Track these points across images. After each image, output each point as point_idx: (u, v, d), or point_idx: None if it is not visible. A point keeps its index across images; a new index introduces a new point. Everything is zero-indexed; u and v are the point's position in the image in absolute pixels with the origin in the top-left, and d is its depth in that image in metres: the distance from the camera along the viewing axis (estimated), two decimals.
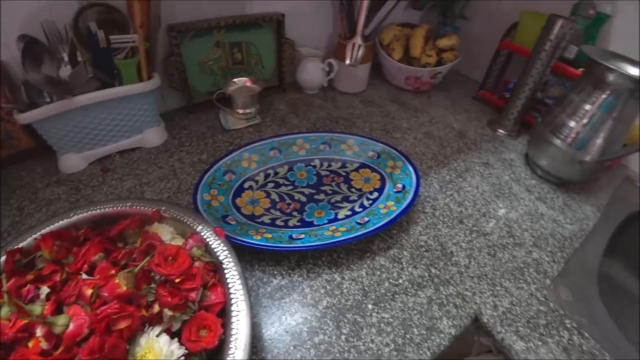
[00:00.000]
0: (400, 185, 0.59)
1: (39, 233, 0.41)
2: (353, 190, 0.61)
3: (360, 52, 0.77)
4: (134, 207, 0.45)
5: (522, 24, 0.80)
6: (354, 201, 0.59)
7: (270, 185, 0.61)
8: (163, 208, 0.44)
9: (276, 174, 0.62)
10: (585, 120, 0.62)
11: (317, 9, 0.84)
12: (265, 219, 0.55)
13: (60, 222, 0.42)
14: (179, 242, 0.43)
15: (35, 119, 0.56)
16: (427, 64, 0.86)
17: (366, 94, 0.91)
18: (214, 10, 0.72)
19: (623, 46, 0.71)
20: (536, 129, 0.70)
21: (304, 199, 0.59)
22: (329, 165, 0.65)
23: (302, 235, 0.51)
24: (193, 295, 0.37)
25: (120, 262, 0.39)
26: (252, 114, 0.75)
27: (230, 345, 0.33)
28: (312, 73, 0.83)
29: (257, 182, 0.61)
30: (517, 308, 0.49)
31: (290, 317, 0.45)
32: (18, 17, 0.56)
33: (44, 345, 0.31)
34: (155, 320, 0.35)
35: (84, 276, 0.36)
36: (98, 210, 0.44)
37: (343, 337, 0.43)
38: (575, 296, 0.53)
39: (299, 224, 0.54)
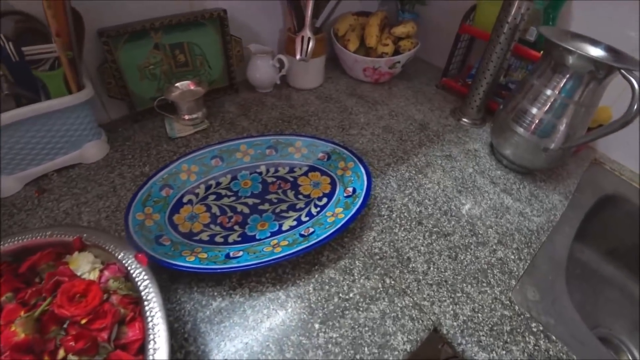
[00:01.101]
0: (350, 189, 0.55)
1: None
2: (300, 197, 0.57)
3: (311, 46, 0.72)
4: (55, 235, 0.41)
5: (480, 6, 0.76)
6: (300, 209, 0.55)
7: (212, 197, 0.56)
8: (85, 235, 0.40)
9: (218, 184, 0.58)
10: (547, 106, 0.59)
11: (264, 2, 0.79)
12: (204, 236, 0.50)
13: None
14: (97, 273, 0.39)
15: None
16: (384, 54, 0.82)
17: (323, 89, 0.86)
18: (147, 11, 0.66)
19: (584, 26, 0.68)
20: (499, 116, 0.67)
21: (247, 210, 0.55)
22: (276, 171, 0.61)
23: (240, 253, 0.47)
24: (104, 335, 0.34)
25: (29, 302, 0.35)
26: (199, 119, 0.70)
27: None
28: (262, 71, 0.78)
29: (197, 195, 0.56)
30: (480, 315, 0.46)
31: (229, 342, 0.41)
32: None
33: None
34: None
35: None
36: (15, 242, 0.40)
37: None
38: (543, 294, 0.50)
39: (239, 239, 0.50)
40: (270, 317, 0.43)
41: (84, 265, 0.39)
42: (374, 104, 0.82)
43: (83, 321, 0.33)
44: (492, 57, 0.69)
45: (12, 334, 0.32)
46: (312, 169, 0.61)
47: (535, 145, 0.61)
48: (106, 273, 0.38)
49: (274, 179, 0.59)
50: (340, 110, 0.79)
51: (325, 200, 0.56)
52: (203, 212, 0.54)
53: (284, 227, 0.52)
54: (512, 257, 0.53)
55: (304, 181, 0.59)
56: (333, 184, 0.58)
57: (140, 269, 0.38)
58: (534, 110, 0.60)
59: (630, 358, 0.66)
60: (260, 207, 0.55)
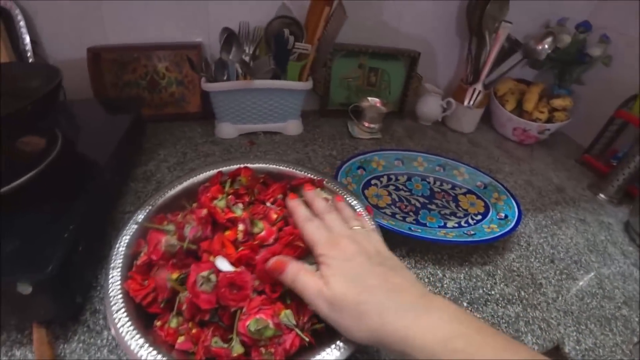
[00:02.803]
0: (503, 214, 0.67)
1: (224, 168, 0.51)
2: (460, 208, 0.70)
3: (479, 98, 0.87)
4: (304, 172, 0.54)
5: None
6: (460, 217, 0.68)
7: (392, 187, 0.73)
8: (326, 180, 0.53)
9: (397, 179, 0.74)
10: None
11: (449, 52, 0.96)
12: (387, 211, 0.66)
13: (249, 164, 0.50)
14: None
15: (216, 89, 0.74)
16: (537, 119, 0.93)
17: (473, 136, 1.00)
18: (365, 38, 0.87)
19: None
20: None
21: (418, 204, 0.70)
22: (441, 185, 0.76)
23: (419, 230, 0.61)
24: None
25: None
26: (375, 130, 0.88)
27: None
28: (431, 107, 0.95)
29: (381, 181, 0.73)
30: (601, 350, 0.52)
31: None
32: (222, 12, 0.77)
33: (240, 236, 0.38)
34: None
35: (269, 204, 0.44)
36: (276, 166, 0.55)
37: None
38: None
39: (414, 222, 0.65)
40: (430, 286, 0.56)
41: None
42: (517, 160, 0.93)
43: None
44: None
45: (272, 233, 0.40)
46: (470, 192, 0.74)
47: None
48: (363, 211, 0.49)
49: (440, 190, 0.74)
50: (487, 157, 0.91)
51: (480, 217, 0.68)
52: (386, 195, 0.70)
53: (449, 225, 0.65)
54: (637, 319, 0.59)
55: (462, 199, 0.73)
56: (487, 208, 0.70)
57: (370, 216, 0.48)
58: None
59: None
60: (429, 206, 0.70)
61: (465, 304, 0.54)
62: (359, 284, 0.33)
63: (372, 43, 0.88)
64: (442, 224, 0.65)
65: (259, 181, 0.49)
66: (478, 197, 0.73)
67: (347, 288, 0.32)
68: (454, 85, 0.98)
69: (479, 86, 0.88)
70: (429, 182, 0.75)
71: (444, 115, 0.96)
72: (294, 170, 0.55)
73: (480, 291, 0.56)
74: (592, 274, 0.65)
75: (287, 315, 0.34)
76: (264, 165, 0.55)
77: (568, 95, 0.99)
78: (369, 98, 0.88)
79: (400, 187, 0.73)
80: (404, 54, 0.89)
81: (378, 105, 0.88)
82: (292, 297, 0.36)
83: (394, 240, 0.60)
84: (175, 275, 0.36)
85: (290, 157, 0.77)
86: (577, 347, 0.52)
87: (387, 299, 0.32)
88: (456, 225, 0.65)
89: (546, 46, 0.86)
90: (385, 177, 0.74)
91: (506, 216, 0.66)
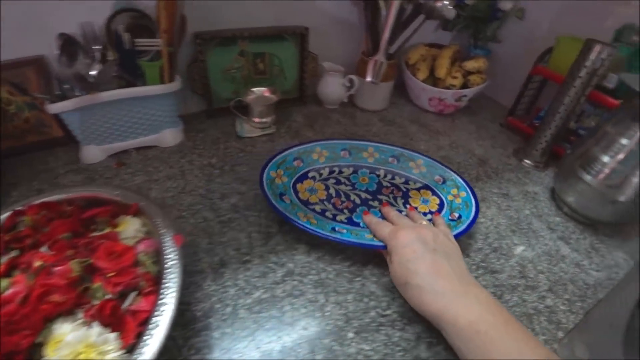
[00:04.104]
0: (457, 215, 0.58)
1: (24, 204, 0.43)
2: (407, 207, 0.61)
3: (382, 70, 0.75)
4: (121, 196, 0.47)
5: (558, 49, 0.75)
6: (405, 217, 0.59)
7: (332, 180, 0.65)
8: (142, 204, 0.44)
9: (340, 172, 0.66)
10: (620, 156, 0.56)
11: (343, 24, 0.84)
12: (317, 208, 0.59)
13: (56, 196, 0.45)
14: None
15: (62, 110, 0.60)
16: (451, 86, 0.83)
17: (386, 113, 0.88)
18: (239, 21, 0.74)
19: None
20: (565, 161, 0.64)
21: (358, 201, 0.61)
22: (392, 178, 0.67)
23: (344, 231, 0.53)
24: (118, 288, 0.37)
25: (79, 248, 0.40)
26: (267, 124, 0.75)
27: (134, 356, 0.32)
28: (332, 88, 0.83)
29: (321, 174, 0.65)
30: None
31: (264, 333, 0.43)
32: (61, 16, 0.60)
33: None
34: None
35: (44, 249, 0.38)
36: (91, 192, 0.46)
37: None
38: (594, 355, 0.46)
39: (345, 221, 0.57)
40: (307, 317, 0.45)
41: (129, 230, 0.43)
42: (435, 134, 0.83)
43: (109, 275, 0.37)
44: (565, 100, 0.68)
45: (69, 270, 0.36)
46: (425, 187, 0.65)
47: (603, 195, 0.58)
48: (140, 246, 0.41)
49: (389, 185, 0.65)
50: (402, 135, 0.81)
51: (429, 217, 0.58)
52: (322, 190, 0.63)
53: None
54: (562, 307, 0.50)
55: (415, 195, 0.64)
56: (441, 206, 0.61)
57: (174, 249, 0.40)
58: (606, 159, 0.57)
59: None
60: (371, 202, 0.61)
61: (350, 335, 0.43)
62: (408, 267, 0.42)
63: (250, 25, 0.75)
64: None
65: (64, 216, 0.43)
66: (434, 194, 0.64)
67: (399, 271, 0.43)
68: (357, 60, 0.86)
69: (380, 57, 0.76)
70: (378, 176, 0.66)
71: (349, 94, 0.85)
72: (112, 195, 0.46)
73: (373, 313, 0.46)
74: (514, 260, 0.55)
75: None
76: (79, 194, 0.46)
77: (485, 55, 0.89)
78: (254, 89, 0.75)
79: (343, 180, 0.65)
80: (290, 32, 0.77)
81: (266, 95, 0.75)
82: None
83: (262, 268, 0.50)
84: None
85: (162, 175, 0.65)
86: None
87: (427, 283, 0.40)
88: None
89: (446, 2, 0.74)
90: (327, 169, 0.66)
91: (460, 217, 0.57)
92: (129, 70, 0.64)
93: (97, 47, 0.63)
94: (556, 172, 0.66)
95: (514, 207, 0.65)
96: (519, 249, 0.57)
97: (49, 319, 0.34)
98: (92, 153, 0.67)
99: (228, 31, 0.73)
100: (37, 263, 0.36)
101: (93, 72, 0.62)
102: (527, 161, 0.76)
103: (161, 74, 0.66)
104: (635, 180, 0.55)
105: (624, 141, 0.56)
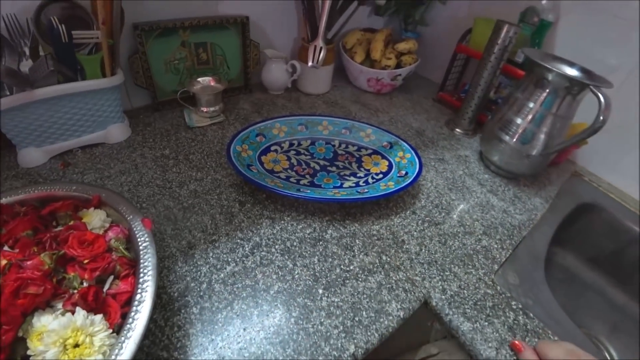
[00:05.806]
0: (404, 172, 0.66)
1: None
2: (362, 169, 0.69)
3: (322, 54, 0.79)
4: (79, 190, 0.46)
5: (476, 29, 0.85)
6: (360, 177, 0.67)
7: (293, 152, 0.71)
8: (104, 195, 0.44)
9: (299, 144, 0.72)
10: (529, 117, 0.66)
11: (282, 12, 0.87)
12: (282, 175, 0.65)
13: (8, 198, 0.43)
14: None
15: None
16: (386, 67, 0.90)
17: (329, 95, 0.94)
18: (179, 11, 0.74)
19: (565, 51, 0.76)
20: (487, 126, 0.74)
21: (318, 167, 0.68)
22: (346, 147, 0.74)
23: (308, 191, 0.60)
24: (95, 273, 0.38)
25: (45, 243, 0.40)
26: (216, 112, 0.76)
27: (123, 334, 0.33)
28: (276, 74, 0.85)
29: (282, 147, 0.71)
30: (465, 292, 0.51)
31: (242, 301, 0.46)
32: None
33: None
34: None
35: (6, 248, 0.38)
36: (44, 191, 0.45)
37: (292, 319, 0.44)
38: (522, 280, 0.56)
39: (308, 184, 0.64)
40: (279, 281, 0.48)
41: (95, 221, 0.43)
42: (375, 111, 0.90)
43: (85, 261, 0.38)
44: (484, 74, 0.77)
45: (41, 263, 0.36)
46: (375, 152, 0.73)
47: (519, 151, 0.68)
48: (109, 233, 0.42)
49: (344, 152, 0.73)
50: (345, 115, 0.86)
51: (381, 176, 0.67)
52: (284, 160, 0.69)
53: (345, 185, 0.65)
54: (495, 246, 0.59)
55: (367, 159, 0.72)
56: (390, 167, 0.69)
57: (144, 232, 0.42)
58: (518, 121, 0.67)
59: (609, 357, 0.71)
60: (329, 168, 0.69)
61: (320, 291, 0.48)
62: None
63: (189, 15, 0.75)
64: (339, 184, 0.64)
65: (18, 216, 0.41)
66: (383, 157, 0.71)
67: None
68: (297, 46, 0.89)
69: (319, 42, 0.80)
70: (333, 145, 0.74)
71: (292, 80, 0.88)
72: (69, 191, 0.45)
73: (337, 270, 0.51)
74: (453, 213, 0.63)
75: None
76: (32, 194, 0.45)
77: (415, 37, 0.98)
78: (200, 79, 0.76)
79: (302, 151, 0.71)
80: (230, 21, 0.78)
81: (212, 84, 0.76)
82: None
83: (230, 244, 0.53)
84: None
85: (114, 170, 0.63)
86: (443, 297, 0.50)
87: None
88: (353, 185, 0.64)
89: None
90: (287, 142, 0.72)
91: (407, 173, 0.65)
92: (68, 65, 0.61)
93: (24, 41, 0.60)
94: (481, 136, 0.76)
95: (449, 169, 0.74)
96: (456, 203, 0.66)
97: (28, 313, 0.34)
98: (32, 156, 0.63)
99: (168, 21, 0.72)
100: (3, 262, 0.35)
101: (24, 69, 0.59)
102: (457, 130, 0.86)
103: (102, 68, 0.64)
104: (542, 136, 0.66)
105: (530, 104, 0.66)
